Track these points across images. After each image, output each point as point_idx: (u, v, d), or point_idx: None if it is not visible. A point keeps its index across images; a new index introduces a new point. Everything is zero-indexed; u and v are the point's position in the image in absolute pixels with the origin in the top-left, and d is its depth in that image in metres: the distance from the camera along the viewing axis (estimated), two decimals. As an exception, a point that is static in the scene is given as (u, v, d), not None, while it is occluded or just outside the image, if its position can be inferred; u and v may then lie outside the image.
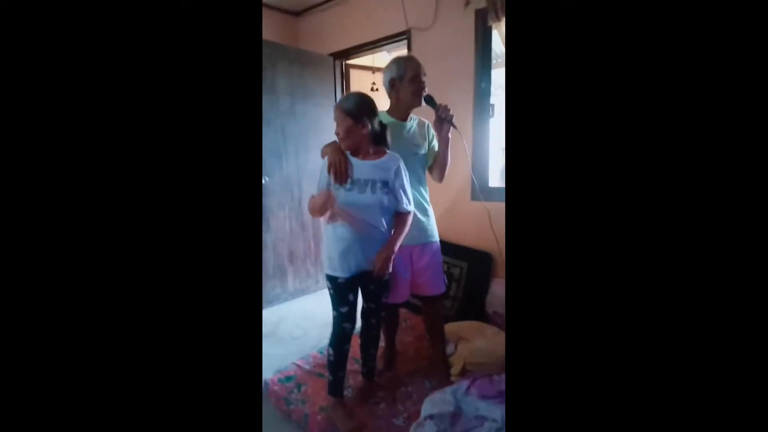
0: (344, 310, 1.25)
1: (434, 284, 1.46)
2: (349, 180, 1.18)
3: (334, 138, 1.25)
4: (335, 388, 1.34)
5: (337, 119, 1.18)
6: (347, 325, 1.27)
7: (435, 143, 1.44)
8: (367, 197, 1.18)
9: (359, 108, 1.16)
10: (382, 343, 1.60)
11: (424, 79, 1.33)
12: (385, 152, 1.23)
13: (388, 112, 1.40)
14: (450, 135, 1.32)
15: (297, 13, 2.82)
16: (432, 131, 1.43)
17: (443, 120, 1.28)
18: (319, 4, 2.65)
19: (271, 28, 2.65)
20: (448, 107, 1.28)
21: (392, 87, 1.36)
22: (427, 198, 1.44)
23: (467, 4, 1.93)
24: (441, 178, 1.43)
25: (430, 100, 1.33)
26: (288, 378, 1.56)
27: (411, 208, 1.25)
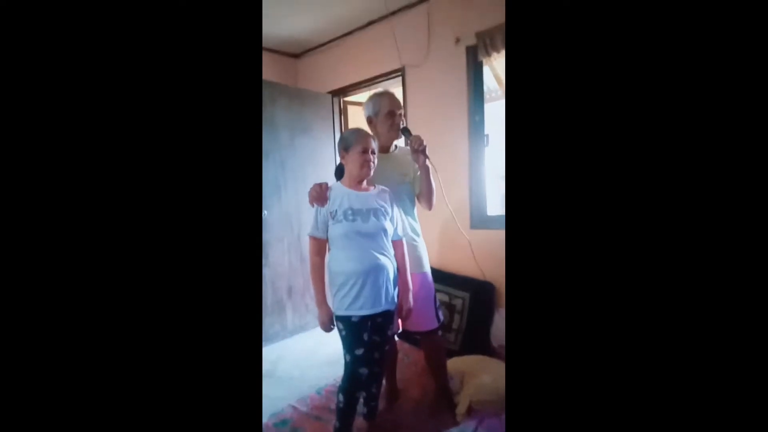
0: (359, 352, 1.18)
1: (423, 319, 1.38)
2: (350, 211, 1.20)
3: (332, 172, 1.36)
4: None
5: None
6: (364, 371, 1.19)
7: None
8: (371, 225, 1.20)
9: (339, 143, 1.30)
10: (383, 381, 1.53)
11: (399, 112, 1.37)
12: (373, 185, 1.29)
13: None
14: (429, 164, 1.32)
15: (297, 55, 2.96)
16: None
17: (416, 151, 1.29)
18: (318, 46, 2.79)
19: (272, 69, 2.76)
20: (421, 138, 1.29)
21: (370, 124, 1.41)
22: (416, 226, 1.43)
23: (457, 41, 2.01)
24: (429, 205, 1.40)
25: (405, 132, 1.37)
26: (284, 422, 1.48)
27: (402, 234, 1.30)
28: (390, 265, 1.23)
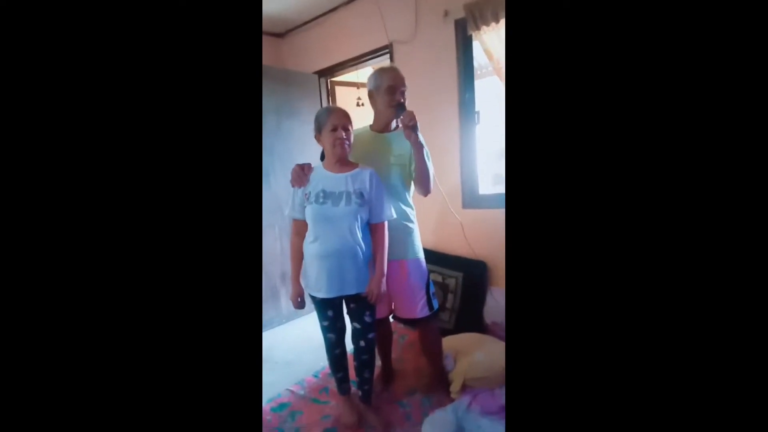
0: (325, 323, 1.29)
1: (414, 307, 1.34)
2: (321, 193, 1.17)
3: (319, 156, 1.32)
4: (339, 387, 1.39)
5: None
6: (331, 336, 1.31)
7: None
8: (341, 210, 1.15)
9: (313, 124, 1.25)
10: (379, 362, 1.54)
11: (401, 89, 1.28)
12: (356, 165, 1.22)
13: (372, 125, 1.37)
14: (422, 142, 1.23)
15: (280, 35, 2.85)
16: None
17: (407, 127, 1.20)
18: (302, 25, 2.68)
19: (254, 50, 2.66)
20: (412, 114, 1.19)
21: (371, 99, 1.34)
22: (408, 211, 1.36)
23: (446, 14, 1.94)
24: (424, 190, 1.31)
25: (400, 109, 1.26)
26: (281, 406, 1.49)
27: (386, 216, 1.22)
28: (359, 250, 1.18)
